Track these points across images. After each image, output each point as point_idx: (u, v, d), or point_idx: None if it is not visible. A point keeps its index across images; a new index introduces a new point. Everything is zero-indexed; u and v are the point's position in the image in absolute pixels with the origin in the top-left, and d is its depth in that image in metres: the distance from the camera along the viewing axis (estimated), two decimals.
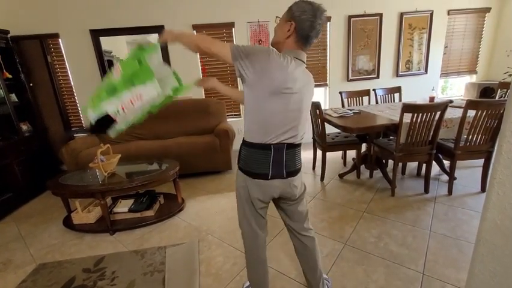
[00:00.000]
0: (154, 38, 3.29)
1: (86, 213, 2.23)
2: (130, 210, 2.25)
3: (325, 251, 1.75)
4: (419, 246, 1.74)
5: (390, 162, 2.93)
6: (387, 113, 2.61)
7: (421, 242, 1.78)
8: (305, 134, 1.16)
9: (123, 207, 2.31)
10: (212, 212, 2.35)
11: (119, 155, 2.34)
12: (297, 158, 1.13)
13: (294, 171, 1.13)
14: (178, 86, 1.11)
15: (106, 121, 1.06)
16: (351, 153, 3.38)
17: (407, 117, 2.12)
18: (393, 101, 3.36)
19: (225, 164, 3.15)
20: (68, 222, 2.26)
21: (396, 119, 2.26)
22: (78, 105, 3.67)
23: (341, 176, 2.85)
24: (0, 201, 2.65)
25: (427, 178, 2.38)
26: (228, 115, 3.82)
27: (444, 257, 1.63)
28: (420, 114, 2.08)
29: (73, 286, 1.63)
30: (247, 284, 1.50)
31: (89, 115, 1.07)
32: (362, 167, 2.90)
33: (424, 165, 2.63)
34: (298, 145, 1.13)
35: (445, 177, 2.62)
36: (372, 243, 1.79)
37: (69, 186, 2.15)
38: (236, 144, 3.52)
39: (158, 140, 3.22)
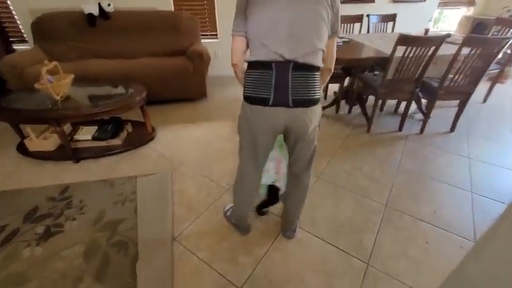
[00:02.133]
0: None
1: (43, 140, 2.01)
2: (94, 138, 2.07)
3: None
4: (386, 181, 1.84)
5: (370, 98, 2.88)
6: (378, 45, 2.39)
7: (388, 177, 1.88)
8: (320, 54, 0.97)
9: (85, 134, 2.10)
10: (185, 142, 2.24)
11: (72, 75, 1.99)
12: (310, 84, 0.96)
13: (304, 101, 0.96)
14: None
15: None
16: (333, 87, 3.25)
17: (400, 51, 1.95)
18: (386, 30, 3.09)
19: (199, 91, 2.89)
20: (23, 149, 2.04)
21: (388, 52, 2.08)
22: (12, 9, 2.93)
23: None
24: None
25: (404, 117, 2.39)
26: (202, 35, 3.33)
27: (407, 191, 1.76)
28: (415, 48, 1.91)
29: (37, 214, 1.56)
30: (229, 206, 1.53)
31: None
32: (342, 102, 2.83)
33: (403, 103, 2.62)
34: (313, 68, 0.96)
35: (419, 116, 2.67)
36: (343, 178, 1.86)
37: (16, 111, 1.84)
38: (212, 71, 3.22)
39: (120, 60, 2.78)
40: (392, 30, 3.10)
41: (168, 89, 2.76)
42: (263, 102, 0.96)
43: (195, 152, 2.12)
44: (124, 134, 2.18)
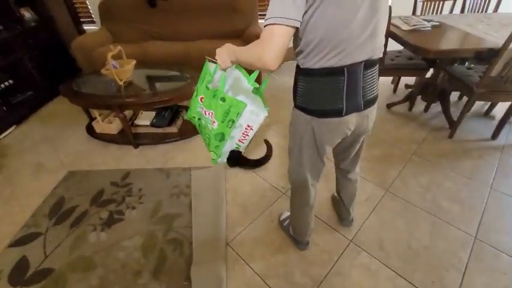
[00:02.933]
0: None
1: (108, 124, 2.10)
2: (152, 125, 2.09)
3: (363, 196, 1.58)
4: (475, 204, 1.52)
5: (454, 95, 2.42)
6: (480, 30, 1.91)
7: (477, 200, 1.55)
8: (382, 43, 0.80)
9: (145, 119, 2.14)
10: None
11: (134, 61, 1.98)
12: (376, 80, 0.85)
13: (373, 99, 0.87)
14: (253, 86, 1.01)
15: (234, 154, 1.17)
16: (405, 79, 2.80)
17: None
18: (487, 10, 2.48)
19: (256, 77, 2.72)
20: (91, 130, 2.17)
21: (496, 40, 1.63)
22: None
23: (389, 106, 2.42)
24: (24, 99, 2.56)
25: (503, 123, 1.94)
26: (260, 15, 3.10)
27: (502, 221, 1.42)
28: None
29: (103, 199, 1.64)
30: (285, 215, 1.43)
31: (219, 161, 1.18)
32: (418, 98, 2.41)
33: (499, 104, 2.13)
34: (377, 62, 0.82)
35: None
36: (419, 194, 1.59)
37: (83, 95, 1.92)
38: None
39: (178, 42, 2.73)
40: (496, 10, 2.48)
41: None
42: (336, 114, 0.81)
43: (250, 147, 2.01)
44: (179, 122, 2.17)
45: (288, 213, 1.42)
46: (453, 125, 2.03)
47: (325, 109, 0.80)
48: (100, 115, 2.10)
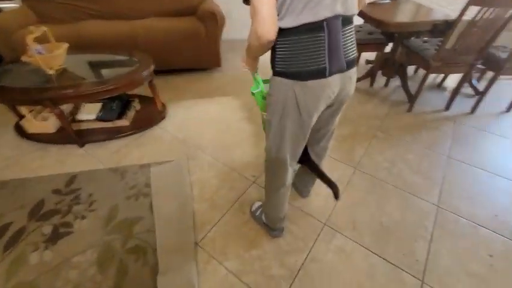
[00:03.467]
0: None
1: (42, 122, 1.78)
2: (98, 119, 1.82)
3: (335, 176, 1.56)
4: (435, 174, 1.59)
5: (410, 68, 2.49)
6: (435, 3, 1.94)
7: (437, 169, 1.62)
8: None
9: (89, 113, 1.86)
10: (200, 122, 1.98)
11: (66, 45, 1.66)
12: (354, 40, 0.82)
13: (353, 60, 0.83)
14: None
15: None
16: (365, 55, 2.83)
17: (471, 13, 1.53)
18: None
19: (213, 59, 2.53)
20: (21, 131, 1.82)
21: (451, 13, 1.66)
22: None
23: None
24: None
25: (455, 94, 2.04)
26: None
27: (460, 188, 1.51)
28: (493, 8, 1.50)
29: (44, 211, 1.39)
30: (257, 205, 1.35)
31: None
32: (378, 73, 2.44)
33: (451, 76, 2.24)
34: (352, 19, 0.80)
35: (468, 91, 2.30)
36: (385, 169, 1.62)
37: (4, 90, 1.56)
38: (227, 34, 2.81)
39: (121, 21, 2.39)
40: None
41: (176, 57, 2.41)
42: (319, 74, 0.76)
43: (212, 134, 1.87)
44: (131, 113, 1.93)
45: (259, 203, 1.35)
46: (411, 99, 2.09)
47: (308, 69, 0.75)
48: (30, 111, 1.76)
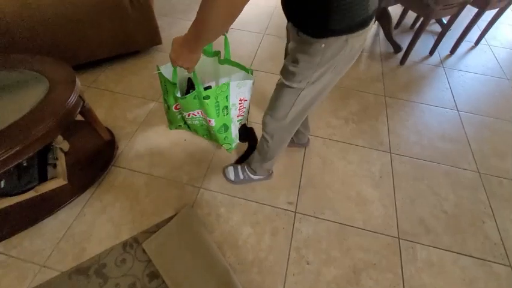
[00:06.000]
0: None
1: None
2: (2, 195, 1.03)
3: (375, 169, 1.33)
4: (459, 135, 1.52)
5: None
6: None
7: (458, 128, 1.55)
8: None
9: None
10: (171, 140, 1.38)
11: None
12: None
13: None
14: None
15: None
16: None
17: None
18: None
19: (149, 35, 1.73)
20: None
21: None
22: None
23: None
24: None
25: (441, 37, 1.92)
26: None
27: (486, 145, 1.48)
28: None
29: None
30: (234, 169, 1.23)
31: (234, 146, 1.27)
32: None
33: (422, 19, 2.10)
34: None
35: (436, 29, 2.23)
36: (417, 144, 1.46)
37: None
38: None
39: None
40: None
41: (98, 42, 1.55)
42: (367, 20, 0.62)
43: (186, 154, 1.33)
44: (60, 164, 1.16)
45: (233, 167, 1.23)
46: (398, 49, 1.91)
47: (362, 17, 0.60)
48: None
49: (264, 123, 0.92)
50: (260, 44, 1.97)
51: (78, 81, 0.99)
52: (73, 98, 0.92)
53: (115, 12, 1.49)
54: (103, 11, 1.45)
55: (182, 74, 1.11)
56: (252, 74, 1.04)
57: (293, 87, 0.74)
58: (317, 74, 0.69)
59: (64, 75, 1.00)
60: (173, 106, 1.14)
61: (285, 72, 0.74)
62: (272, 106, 0.85)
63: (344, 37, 0.61)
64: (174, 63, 0.71)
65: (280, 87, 0.79)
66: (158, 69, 1.02)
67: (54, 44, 1.41)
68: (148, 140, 1.36)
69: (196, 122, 1.17)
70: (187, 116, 1.13)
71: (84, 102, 1.03)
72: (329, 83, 0.76)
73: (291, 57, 0.71)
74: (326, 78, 0.72)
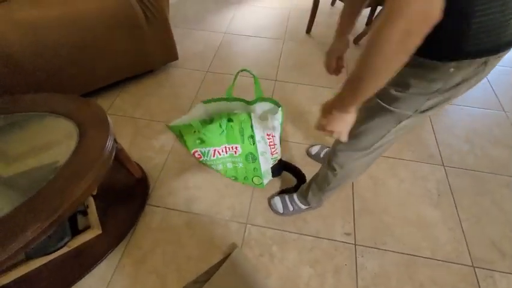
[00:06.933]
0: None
1: None
2: (29, 256, 0.91)
3: (431, 186, 1.21)
4: (503, 137, 1.41)
5: None
6: None
7: (509, 131, 1.44)
8: None
9: None
10: (204, 168, 1.26)
11: None
12: None
13: None
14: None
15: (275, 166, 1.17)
16: None
17: None
18: None
19: (165, 51, 1.60)
20: None
21: None
22: None
23: (356, 40, 1.91)
24: None
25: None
26: None
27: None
28: None
29: None
30: (281, 198, 1.13)
31: (266, 182, 1.17)
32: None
33: None
34: None
35: None
36: (470, 153, 1.34)
37: None
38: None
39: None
40: None
41: (108, 66, 1.41)
42: (501, 48, 0.47)
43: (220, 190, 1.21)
44: (92, 210, 1.03)
45: (280, 197, 1.13)
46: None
47: (504, 39, 0.46)
48: None
49: (334, 153, 0.80)
50: (282, 51, 1.84)
51: (110, 120, 0.86)
52: (109, 143, 0.79)
53: (130, 31, 1.35)
54: (116, 32, 1.31)
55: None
56: (279, 106, 1.11)
57: (394, 112, 0.60)
58: (431, 102, 0.56)
59: (92, 115, 0.87)
60: (193, 152, 1.18)
61: (386, 95, 0.59)
62: (353, 133, 0.66)
63: (479, 60, 0.48)
64: (323, 130, 0.59)
65: (371, 110, 0.63)
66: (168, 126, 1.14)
67: (64, 72, 1.27)
68: (180, 171, 1.24)
69: (220, 167, 1.16)
70: (212, 157, 1.14)
71: (117, 143, 0.90)
72: (438, 111, 0.61)
73: (396, 80, 0.50)
74: (440, 106, 0.58)
